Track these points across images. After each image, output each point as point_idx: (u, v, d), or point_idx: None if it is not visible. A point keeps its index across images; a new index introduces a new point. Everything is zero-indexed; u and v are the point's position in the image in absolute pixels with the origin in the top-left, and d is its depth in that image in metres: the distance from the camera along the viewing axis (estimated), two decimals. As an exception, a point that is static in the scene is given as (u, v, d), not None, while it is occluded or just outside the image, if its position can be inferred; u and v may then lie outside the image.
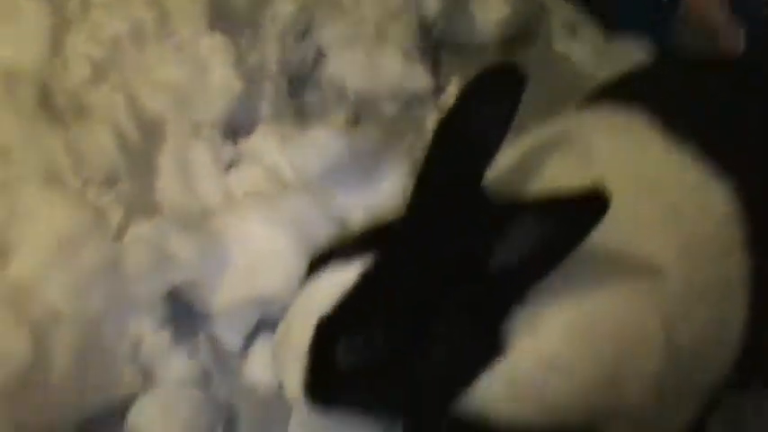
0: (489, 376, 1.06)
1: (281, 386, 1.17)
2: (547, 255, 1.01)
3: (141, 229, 1.31)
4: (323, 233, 1.32)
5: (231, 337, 1.35)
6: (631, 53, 1.81)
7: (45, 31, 1.55)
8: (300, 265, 1.20)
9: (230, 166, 1.51)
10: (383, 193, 1.44)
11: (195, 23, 1.60)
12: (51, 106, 1.46)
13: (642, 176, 1.15)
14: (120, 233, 1.32)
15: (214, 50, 1.58)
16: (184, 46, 1.59)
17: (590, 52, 1.85)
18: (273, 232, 1.32)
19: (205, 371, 1.33)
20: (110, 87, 1.51)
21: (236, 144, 1.54)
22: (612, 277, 1.08)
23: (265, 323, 1.35)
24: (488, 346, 1.05)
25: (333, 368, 1.05)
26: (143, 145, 1.47)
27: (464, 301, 1.05)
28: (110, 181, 1.39)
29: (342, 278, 1.05)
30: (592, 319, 1.07)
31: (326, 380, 1.07)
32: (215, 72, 1.57)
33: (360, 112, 1.70)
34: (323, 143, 1.44)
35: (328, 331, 1.04)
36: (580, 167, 1.12)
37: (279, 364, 1.10)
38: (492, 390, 1.07)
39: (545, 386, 1.07)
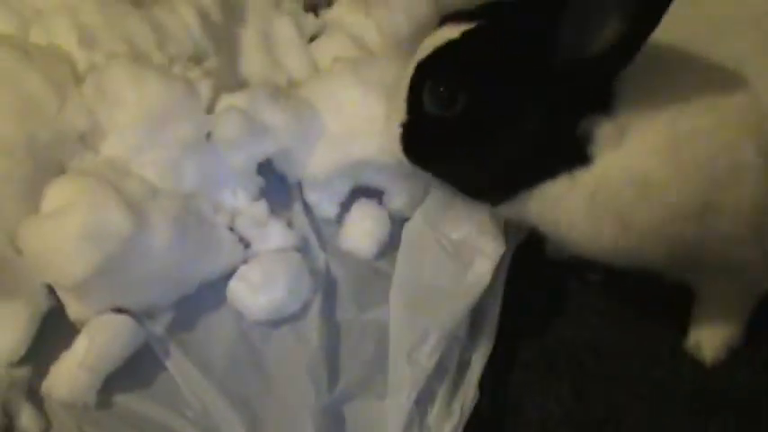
0: (571, 188, 1.08)
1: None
2: (620, 39, 0.99)
3: (230, 100, 1.30)
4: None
5: (326, 205, 1.35)
6: None
7: None
8: (393, 127, 1.21)
9: (314, 37, 1.49)
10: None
11: None
12: (131, -12, 1.45)
13: None
14: (209, 107, 1.31)
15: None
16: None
17: None
18: (365, 97, 1.30)
19: (303, 240, 1.32)
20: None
21: (317, 15, 1.53)
22: (705, 93, 1.06)
23: (360, 189, 1.35)
24: (563, 143, 1.06)
25: (421, 112, 1.12)
26: (225, 21, 1.46)
27: (537, 82, 1.06)
28: (196, 58, 1.39)
29: (446, 36, 1.11)
30: (686, 137, 1.05)
31: (416, 122, 1.14)
32: (292, -57, 1.55)
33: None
34: (408, 4, 1.42)
35: (419, 75, 1.12)
36: None
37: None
38: (572, 203, 1.09)
39: (631, 206, 1.07)
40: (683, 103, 1.05)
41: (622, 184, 1.07)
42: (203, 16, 1.42)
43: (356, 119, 1.30)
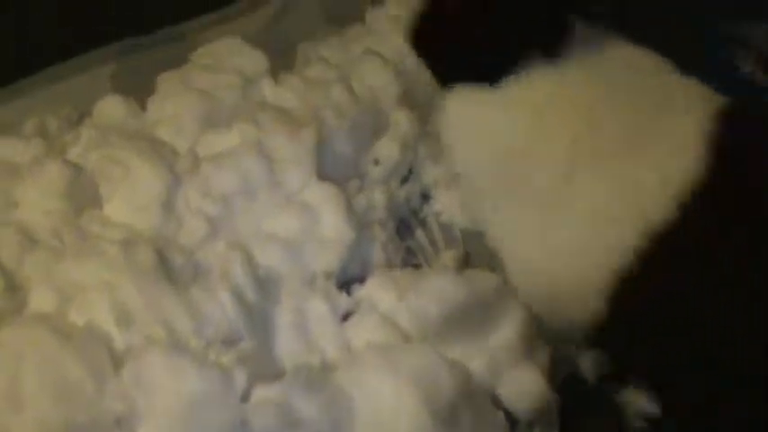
0: (471, 98, 1.39)
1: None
2: None
3: (266, 392, 1.32)
4: (445, 384, 1.33)
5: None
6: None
7: (159, 191, 1.59)
8: (425, 418, 1.22)
9: (347, 315, 1.52)
10: (501, 338, 1.44)
11: (302, 173, 1.63)
12: (169, 267, 1.49)
13: None
14: (245, 395, 1.33)
15: (323, 199, 1.61)
16: (293, 196, 1.62)
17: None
18: (396, 387, 1.32)
19: None
20: (224, 243, 1.55)
21: (350, 293, 1.55)
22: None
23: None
24: (505, 63, 1.34)
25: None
26: (260, 301, 1.49)
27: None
28: (230, 341, 1.41)
29: None
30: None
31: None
32: (326, 221, 1.60)
33: (468, 249, 1.71)
34: (439, 290, 1.44)
35: None
36: None
37: None
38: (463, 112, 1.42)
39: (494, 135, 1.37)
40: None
41: (503, 121, 1.34)
42: (238, 296, 1.45)
43: (387, 409, 1.32)
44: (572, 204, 1.33)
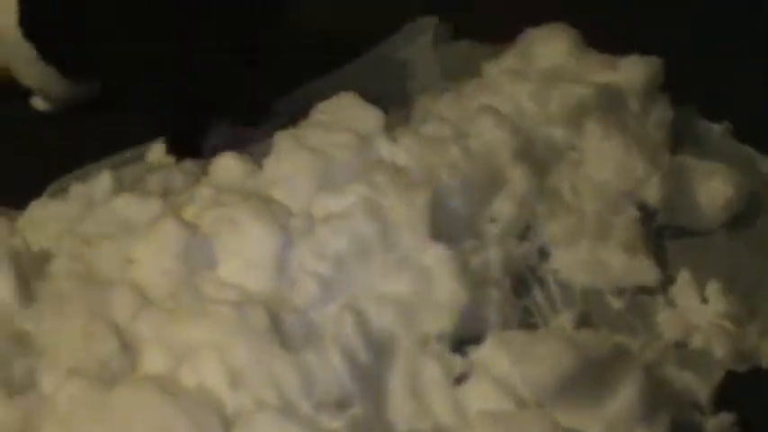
0: None
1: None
2: None
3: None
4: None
5: None
6: None
7: (272, 251, 1.58)
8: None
9: (460, 379, 1.48)
10: (618, 404, 1.39)
11: (417, 234, 1.61)
12: (281, 329, 1.47)
13: None
14: (356, 463, 1.30)
15: (438, 261, 1.59)
16: (408, 258, 1.60)
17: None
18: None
19: None
20: (337, 305, 1.53)
21: (464, 355, 1.52)
22: None
23: None
24: None
25: None
26: (373, 364, 1.47)
27: None
28: (342, 404, 1.39)
29: None
30: None
31: None
32: (440, 283, 1.57)
33: (587, 310, 1.67)
34: (554, 354, 1.40)
35: None
36: None
37: None
38: None
39: None
40: None
41: None
42: (350, 358, 1.43)
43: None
44: None
